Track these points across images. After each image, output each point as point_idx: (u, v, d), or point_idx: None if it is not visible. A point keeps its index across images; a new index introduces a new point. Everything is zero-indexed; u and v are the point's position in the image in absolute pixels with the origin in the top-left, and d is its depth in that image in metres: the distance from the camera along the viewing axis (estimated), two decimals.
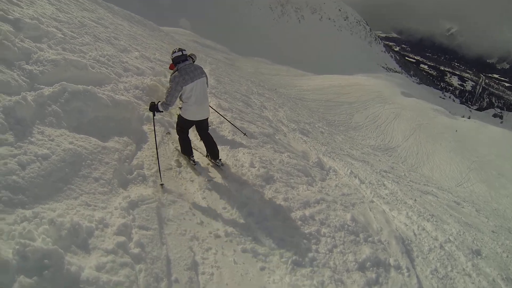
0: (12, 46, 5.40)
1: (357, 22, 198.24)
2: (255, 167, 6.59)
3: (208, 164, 6.44)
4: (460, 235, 7.59)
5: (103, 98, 5.81)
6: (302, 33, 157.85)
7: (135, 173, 5.00)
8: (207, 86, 6.00)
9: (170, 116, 7.86)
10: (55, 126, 4.58)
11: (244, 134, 8.29)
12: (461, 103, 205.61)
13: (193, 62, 7.73)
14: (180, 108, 6.10)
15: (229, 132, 8.17)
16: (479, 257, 6.68)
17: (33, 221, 3.14)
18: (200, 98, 5.66)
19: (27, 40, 6.02)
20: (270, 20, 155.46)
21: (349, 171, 9.16)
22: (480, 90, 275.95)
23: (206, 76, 5.84)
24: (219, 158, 6.31)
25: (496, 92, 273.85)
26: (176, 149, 6.51)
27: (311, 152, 9.62)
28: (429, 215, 8.09)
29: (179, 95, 5.50)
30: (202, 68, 5.78)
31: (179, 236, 4.19)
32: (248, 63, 52.21)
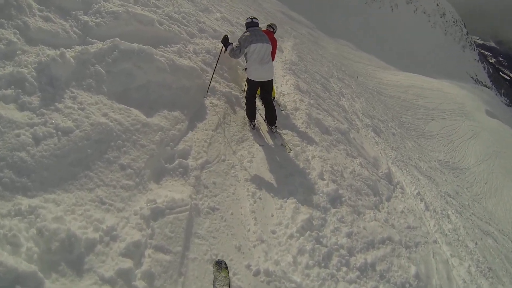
0: None
1: (454, 22, 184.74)
2: (324, 180, 5.79)
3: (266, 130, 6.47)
4: None
5: (160, 61, 5.17)
6: (393, 23, 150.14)
7: (176, 162, 4.15)
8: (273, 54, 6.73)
9: (240, 91, 7.25)
10: (93, 91, 3.93)
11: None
12: None
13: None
14: (246, 70, 6.54)
15: (302, 123, 7.40)
16: None
17: (26, 217, 2.56)
18: (263, 58, 5.98)
19: None
20: (361, 4, 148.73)
21: (416, 190, 8.67)
22: None
23: (270, 45, 6.20)
24: (275, 125, 6.45)
25: None
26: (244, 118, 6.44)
27: (382, 159, 8.96)
28: (487, 268, 7.71)
29: (244, 52, 5.93)
30: (267, 38, 6.19)
31: (206, 263, 3.27)
32: (332, 44, 49.64)
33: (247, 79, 6.24)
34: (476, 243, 8.70)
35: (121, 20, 5.37)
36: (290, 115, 7.57)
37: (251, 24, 6.15)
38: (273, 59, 6.78)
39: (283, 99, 8.22)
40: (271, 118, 6.38)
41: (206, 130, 5.18)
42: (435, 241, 6.77)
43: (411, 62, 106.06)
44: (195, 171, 4.23)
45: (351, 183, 6.34)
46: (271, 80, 6.29)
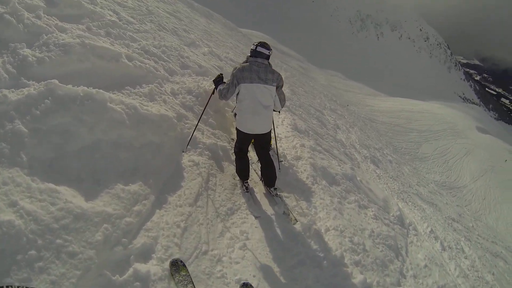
0: (15, 22, 4.26)
1: (438, 45, 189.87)
2: (347, 267, 4.31)
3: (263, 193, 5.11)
4: None
5: (115, 110, 3.86)
6: (380, 51, 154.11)
7: (130, 271, 2.72)
8: (279, 102, 4.79)
9: (228, 139, 5.94)
10: (4, 163, 2.74)
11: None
12: None
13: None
14: (235, 115, 5.32)
15: (307, 178, 5.93)
16: None
17: None
18: (257, 106, 4.52)
19: (53, 18, 4.92)
20: (349, 34, 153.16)
21: (428, 228, 8.26)
22: None
23: (277, 86, 4.66)
24: (275, 186, 5.01)
25: None
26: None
27: (391, 199, 8.25)
28: None
29: (234, 92, 4.56)
30: (278, 77, 4.61)
31: None
32: (321, 75, 49.91)
33: (236, 130, 4.78)
34: (493, 274, 8.85)
35: (73, 54, 4.26)
36: (292, 167, 6.19)
37: (255, 54, 4.50)
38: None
39: (281, 145, 6.88)
40: (269, 178, 4.95)
41: (181, 206, 3.83)
42: None
43: (400, 87, 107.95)
44: (160, 283, 2.79)
45: (375, 255, 5.02)
46: (269, 132, 4.83)
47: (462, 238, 10.45)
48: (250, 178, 5.12)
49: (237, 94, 4.54)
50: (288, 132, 7.83)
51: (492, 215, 30.34)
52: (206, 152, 4.99)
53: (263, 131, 4.67)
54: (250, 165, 5.05)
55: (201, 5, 20.75)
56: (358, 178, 7.54)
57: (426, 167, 34.62)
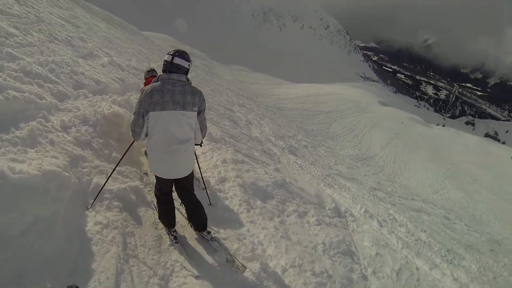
0: None
1: (337, 32, 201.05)
2: None
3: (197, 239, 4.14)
4: (480, 271, 8.30)
5: None
6: (283, 41, 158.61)
7: None
8: (200, 131, 3.76)
9: (139, 175, 4.97)
10: None
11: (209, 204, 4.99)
12: (435, 111, 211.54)
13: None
14: (146, 154, 3.75)
15: (240, 205, 5.26)
16: None
17: None
18: (170, 142, 3.40)
19: None
20: (252, 28, 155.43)
21: (362, 209, 8.65)
22: (454, 99, 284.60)
23: (199, 112, 3.64)
24: (207, 230, 4.05)
25: (469, 100, 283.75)
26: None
27: (322, 192, 8.20)
28: (446, 251, 8.31)
29: (145, 125, 3.44)
30: (200, 98, 3.57)
31: None
32: (226, 71, 50.86)
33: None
34: (425, 231, 9.44)
35: None
36: (218, 194, 5.35)
37: (170, 67, 3.41)
38: None
39: (199, 166, 5.36)
40: (199, 223, 4.02)
41: None
42: (410, 263, 6.56)
43: (305, 74, 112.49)
44: None
45: (339, 274, 4.68)
46: (191, 173, 3.80)
47: (389, 205, 11.21)
48: (176, 223, 4.14)
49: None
50: (204, 145, 7.04)
51: (404, 175, 33.50)
52: (116, 203, 3.89)
53: (183, 174, 3.64)
54: (175, 209, 4.07)
55: (102, 9, 19.76)
56: (287, 180, 7.21)
57: (339, 145, 36.76)
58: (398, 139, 43.55)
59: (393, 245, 7.17)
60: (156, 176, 3.62)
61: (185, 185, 3.85)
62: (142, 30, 29.64)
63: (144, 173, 4.89)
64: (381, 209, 10.19)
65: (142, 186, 4.50)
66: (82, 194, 3.70)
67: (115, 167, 4.12)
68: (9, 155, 3.19)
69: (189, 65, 3.51)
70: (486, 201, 29.65)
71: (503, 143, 74.99)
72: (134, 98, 6.88)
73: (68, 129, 4.33)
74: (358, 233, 6.59)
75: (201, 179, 5.18)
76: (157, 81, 3.40)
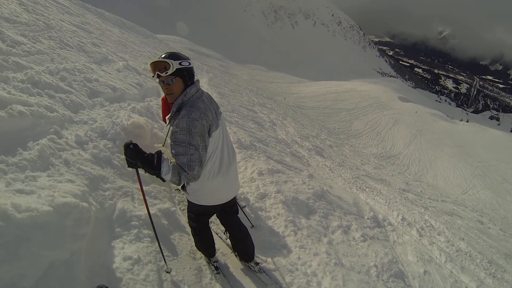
0: None
1: (350, 27, 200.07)
2: None
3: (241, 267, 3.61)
4: None
5: None
6: (296, 39, 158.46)
7: None
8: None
9: (170, 197, 4.38)
10: None
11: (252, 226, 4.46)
12: (457, 106, 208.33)
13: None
14: (184, 186, 2.98)
15: (285, 226, 4.65)
16: None
17: None
18: (228, 159, 2.90)
19: None
20: (264, 27, 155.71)
21: (399, 217, 8.22)
22: (475, 93, 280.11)
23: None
24: (254, 260, 3.53)
25: (491, 94, 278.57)
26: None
27: (358, 199, 7.86)
28: (487, 262, 7.53)
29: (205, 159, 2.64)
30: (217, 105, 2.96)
31: None
32: (243, 70, 50.69)
33: (191, 203, 3.01)
34: (463, 239, 8.79)
35: None
36: (260, 213, 4.78)
37: (193, 75, 2.73)
38: None
39: None
40: (245, 252, 3.51)
41: None
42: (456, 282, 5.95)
43: (321, 71, 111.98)
44: None
45: None
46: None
47: (422, 209, 10.73)
48: (217, 251, 3.66)
49: None
50: (237, 155, 6.25)
51: (430, 173, 32.91)
52: (146, 231, 3.28)
53: (235, 192, 3.17)
54: (214, 235, 3.63)
55: (113, 15, 19.69)
56: (325, 189, 6.77)
57: (362, 143, 36.70)
58: (422, 136, 42.65)
59: (437, 258, 6.72)
60: (200, 209, 3.01)
61: (231, 207, 3.28)
62: (155, 33, 29.48)
63: (175, 190, 4.44)
64: (416, 214, 9.78)
65: (174, 208, 3.94)
66: (106, 223, 3.13)
67: (143, 193, 3.14)
68: (15, 185, 2.63)
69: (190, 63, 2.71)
70: None
71: None
72: (155, 104, 6.50)
73: (85, 145, 3.80)
74: (400, 245, 6.19)
75: (238, 196, 4.65)
76: (188, 100, 2.62)
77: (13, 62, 4.46)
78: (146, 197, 3.25)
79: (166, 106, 4.37)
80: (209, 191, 2.84)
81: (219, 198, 2.95)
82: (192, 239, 3.49)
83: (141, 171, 2.66)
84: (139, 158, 2.49)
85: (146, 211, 3.07)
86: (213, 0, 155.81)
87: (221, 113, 2.88)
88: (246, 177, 5.78)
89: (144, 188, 3.38)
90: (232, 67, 49.61)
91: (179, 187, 4.21)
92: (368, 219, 6.63)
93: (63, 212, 2.52)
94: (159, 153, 2.51)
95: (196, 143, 2.48)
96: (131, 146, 2.51)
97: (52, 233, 2.39)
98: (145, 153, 2.53)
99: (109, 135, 4.22)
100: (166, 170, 2.46)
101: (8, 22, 6.07)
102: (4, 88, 3.72)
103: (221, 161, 2.79)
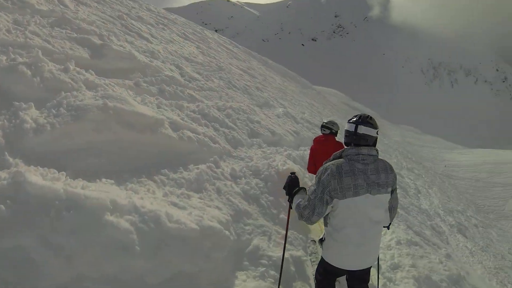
0: (30, 75, 3.55)
1: None
2: None
3: None
4: None
5: (117, 229, 2.55)
6: (455, 99, 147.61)
7: None
8: (390, 213, 3.03)
9: (304, 246, 4.32)
10: None
11: None
12: None
13: (332, 132, 5.10)
14: (322, 240, 3.10)
15: None
16: None
17: None
18: (366, 231, 2.76)
19: (90, 71, 4.31)
20: (422, 85, 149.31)
21: None
22: None
23: (392, 191, 2.91)
24: None
25: None
26: None
27: None
28: None
29: (324, 212, 2.69)
30: (394, 176, 2.88)
31: None
32: (395, 130, 49.29)
33: (322, 258, 3.02)
34: None
35: (87, 122, 3.33)
36: (388, 283, 4.54)
37: (356, 139, 2.71)
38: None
39: None
40: None
41: None
42: None
43: (480, 137, 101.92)
44: None
45: None
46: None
47: None
48: None
49: (328, 214, 2.79)
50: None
51: None
52: (272, 273, 3.35)
53: (369, 264, 2.98)
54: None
55: (276, 63, 20.73)
56: (462, 274, 6.24)
57: None
58: None
59: None
60: (328, 267, 2.96)
61: (364, 276, 3.09)
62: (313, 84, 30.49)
63: (311, 240, 4.35)
64: None
65: (305, 258, 3.92)
66: (237, 253, 3.35)
67: (286, 236, 3.48)
68: (171, 198, 3.23)
69: (377, 133, 2.78)
70: None
71: None
72: (308, 154, 6.68)
73: (238, 179, 4.20)
74: None
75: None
76: (340, 157, 2.76)
77: (188, 94, 5.29)
78: (282, 241, 3.59)
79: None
80: (338, 254, 2.87)
81: (346, 264, 2.89)
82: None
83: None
84: (289, 187, 3.11)
85: (282, 252, 3.32)
86: (371, 55, 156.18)
87: (381, 186, 2.74)
88: (384, 243, 5.65)
89: (283, 232, 3.78)
90: (385, 126, 48.65)
91: (316, 239, 4.32)
92: None
93: (207, 233, 2.94)
94: (299, 198, 2.94)
95: (312, 192, 2.70)
96: (293, 174, 3.20)
97: (191, 248, 2.84)
98: (295, 186, 3.14)
99: (262, 175, 4.52)
100: (294, 206, 2.88)
101: (187, 61, 7.11)
102: (178, 114, 4.45)
103: (357, 232, 2.74)
